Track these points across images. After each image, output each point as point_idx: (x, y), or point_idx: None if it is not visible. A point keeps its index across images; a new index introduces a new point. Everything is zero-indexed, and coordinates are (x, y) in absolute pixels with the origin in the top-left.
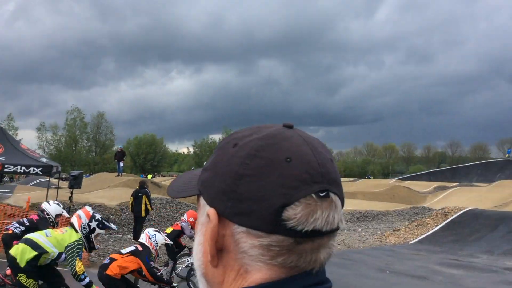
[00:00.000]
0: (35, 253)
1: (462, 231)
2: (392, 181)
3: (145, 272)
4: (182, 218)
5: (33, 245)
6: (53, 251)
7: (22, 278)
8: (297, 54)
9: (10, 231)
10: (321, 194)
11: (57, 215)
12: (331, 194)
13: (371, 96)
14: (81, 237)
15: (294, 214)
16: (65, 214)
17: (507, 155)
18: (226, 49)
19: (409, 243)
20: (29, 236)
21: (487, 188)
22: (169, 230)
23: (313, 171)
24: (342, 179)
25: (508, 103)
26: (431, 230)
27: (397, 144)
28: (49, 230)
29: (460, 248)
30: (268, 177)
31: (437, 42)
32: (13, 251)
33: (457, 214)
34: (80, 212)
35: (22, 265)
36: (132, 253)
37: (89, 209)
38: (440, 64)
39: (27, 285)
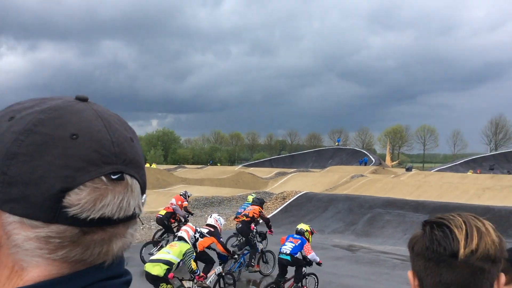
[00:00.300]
0: (167, 266)
1: (298, 212)
2: (237, 168)
3: (218, 246)
4: (171, 202)
5: (166, 262)
6: (177, 261)
7: (164, 285)
8: (144, 37)
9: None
10: (113, 177)
11: None
12: (127, 177)
13: (219, 84)
14: (190, 246)
15: (78, 199)
16: None
17: (336, 144)
18: (65, 26)
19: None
20: (160, 257)
21: (320, 173)
22: (163, 212)
23: (105, 150)
24: (190, 166)
25: (338, 96)
26: (272, 213)
27: (242, 132)
28: (167, 248)
29: None
30: (46, 156)
31: (278, 36)
32: (155, 272)
33: (294, 198)
34: (187, 227)
35: (163, 275)
36: (209, 233)
37: (191, 224)
38: (281, 57)
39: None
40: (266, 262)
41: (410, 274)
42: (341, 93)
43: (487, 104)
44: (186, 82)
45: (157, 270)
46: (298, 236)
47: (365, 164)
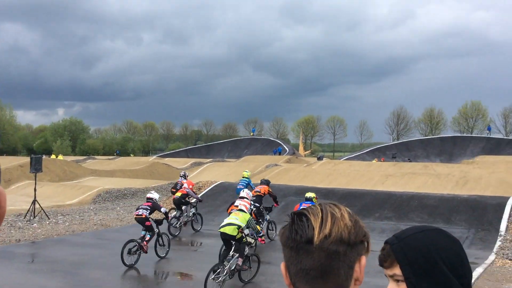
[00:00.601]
0: (237, 228)
1: (213, 202)
2: (152, 158)
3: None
4: (184, 186)
5: (236, 225)
6: (242, 225)
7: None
8: (48, 21)
9: (143, 216)
10: None
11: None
12: None
13: (130, 72)
14: (250, 215)
15: None
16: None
17: (252, 134)
18: None
19: None
20: (231, 221)
21: (236, 163)
22: (179, 194)
23: None
24: (100, 157)
25: (252, 87)
26: None
27: (156, 122)
28: (233, 215)
29: (212, 218)
30: None
31: (192, 25)
32: (229, 231)
33: (209, 188)
34: (244, 203)
35: (235, 234)
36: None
37: (248, 200)
38: (195, 46)
39: (244, 241)
40: (272, 230)
41: (282, 266)
42: (256, 84)
43: (390, 97)
44: (95, 69)
45: (231, 230)
46: (308, 202)
47: (279, 154)
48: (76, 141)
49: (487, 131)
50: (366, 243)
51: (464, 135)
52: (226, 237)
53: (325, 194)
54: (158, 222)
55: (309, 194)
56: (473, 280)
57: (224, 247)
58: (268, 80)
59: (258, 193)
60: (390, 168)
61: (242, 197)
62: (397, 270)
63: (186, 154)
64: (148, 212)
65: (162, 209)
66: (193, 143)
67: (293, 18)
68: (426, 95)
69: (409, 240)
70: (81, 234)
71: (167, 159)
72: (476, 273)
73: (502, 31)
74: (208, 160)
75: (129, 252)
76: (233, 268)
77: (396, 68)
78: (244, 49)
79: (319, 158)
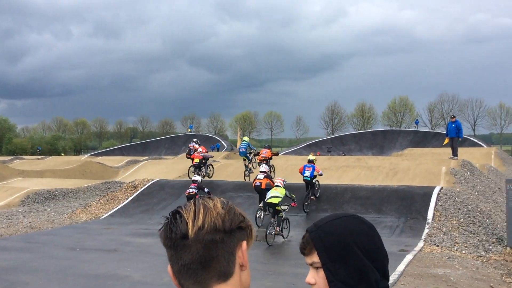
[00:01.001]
0: (279, 199)
1: (150, 201)
2: (84, 157)
3: (272, 183)
4: (199, 151)
5: (278, 196)
6: (282, 196)
7: (278, 208)
8: None
9: (193, 193)
10: None
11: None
12: None
13: (59, 67)
14: (285, 190)
15: None
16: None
17: (189, 130)
18: None
19: (101, 218)
20: (275, 194)
21: (173, 160)
22: (197, 160)
23: None
24: (28, 157)
25: (189, 83)
26: (122, 203)
27: (88, 119)
28: (274, 189)
29: (149, 217)
30: None
31: (124, 18)
32: (274, 201)
33: (145, 186)
34: (280, 180)
35: (277, 203)
36: (266, 176)
37: (281, 178)
38: (128, 41)
39: (279, 209)
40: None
41: (168, 268)
42: (192, 80)
43: (324, 92)
44: (21, 63)
45: (275, 200)
46: (310, 165)
47: (218, 150)
48: (2, 140)
49: (415, 125)
50: (248, 229)
51: (394, 129)
52: (271, 206)
53: None
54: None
55: (311, 157)
56: (403, 267)
57: (261, 211)
58: (204, 75)
59: (264, 157)
60: (326, 162)
61: (262, 171)
62: (315, 258)
63: (121, 152)
64: (196, 190)
65: (206, 189)
66: (128, 140)
67: (228, 13)
68: (358, 90)
69: (325, 226)
70: (9, 238)
71: (100, 157)
72: (406, 259)
73: (427, 29)
74: (144, 157)
75: None
76: (272, 233)
77: (329, 65)
78: (179, 44)
79: (257, 154)
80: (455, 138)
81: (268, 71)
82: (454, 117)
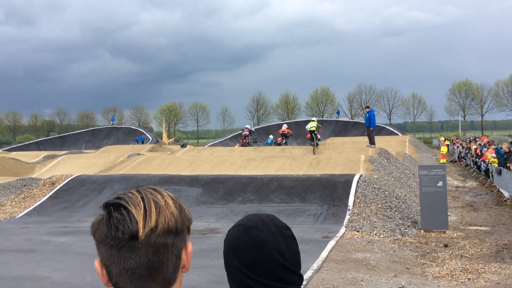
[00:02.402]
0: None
1: (70, 197)
2: None
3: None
4: (245, 128)
5: (316, 126)
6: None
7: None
8: None
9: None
10: None
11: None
12: None
13: None
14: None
15: None
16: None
17: (111, 123)
18: None
19: (16, 217)
20: (313, 125)
21: (94, 154)
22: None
23: None
24: None
25: (111, 73)
26: (39, 200)
27: (0, 112)
28: (312, 123)
29: (69, 215)
30: None
31: (38, 4)
32: (313, 128)
33: (64, 182)
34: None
35: (315, 129)
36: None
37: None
38: (44, 29)
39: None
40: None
41: (97, 263)
42: (114, 70)
43: (249, 83)
44: None
45: (314, 128)
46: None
47: (142, 143)
48: None
49: (336, 115)
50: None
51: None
52: (312, 130)
53: (189, 181)
54: None
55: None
56: (327, 253)
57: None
58: (127, 66)
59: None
60: (252, 153)
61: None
62: None
63: (38, 146)
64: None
65: None
66: (45, 134)
67: (150, 1)
68: (282, 81)
69: (229, 232)
70: None
71: (14, 153)
72: (329, 245)
73: (346, 22)
74: (63, 152)
75: None
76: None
77: (254, 56)
78: (99, 32)
79: (183, 146)
80: (368, 128)
81: (193, 61)
82: (367, 107)
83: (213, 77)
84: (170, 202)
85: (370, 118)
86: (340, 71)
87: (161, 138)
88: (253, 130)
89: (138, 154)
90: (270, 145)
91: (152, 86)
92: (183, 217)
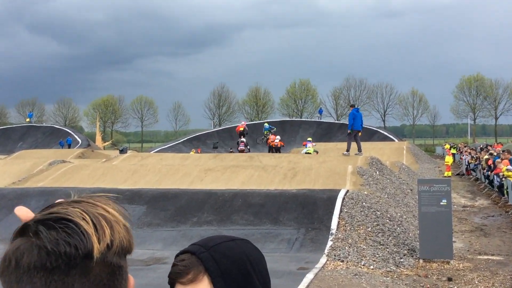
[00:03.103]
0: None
1: None
2: None
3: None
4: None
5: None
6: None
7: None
8: None
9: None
10: None
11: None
12: None
13: None
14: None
15: None
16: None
17: (28, 120)
18: None
19: None
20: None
21: (5, 161)
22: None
23: None
24: None
25: (29, 56)
26: None
27: None
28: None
29: None
30: None
31: None
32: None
33: None
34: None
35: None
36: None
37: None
38: None
39: None
40: None
41: None
42: (33, 51)
43: (210, 73)
44: None
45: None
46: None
47: (69, 147)
48: None
49: (318, 115)
50: None
51: (294, 119)
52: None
53: (129, 197)
54: None
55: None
56: None
57: None
58: (50, 46)
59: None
60: (210, 161)
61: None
62: (202, 285)
63: None
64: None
65: None
66: None
67: None
68: (251, 71)
69: (220, 248)
70: None
71: None
72: (306, 279)
73: None
74: None
75: None
76: None
77: (216, 38)
78: (14, 3)
79: (122, 151)
80: (355, 131)
81: (138, 43)
82: (352, 105)
83: (163, 64)
84: (118, 216)
85: (354, 118)
86: (324, 61)
87: (94, 141)
88: (248, 147)
89: (63, 161)
90: (269, 131)
91: (83, 74)
92: (131, 233)
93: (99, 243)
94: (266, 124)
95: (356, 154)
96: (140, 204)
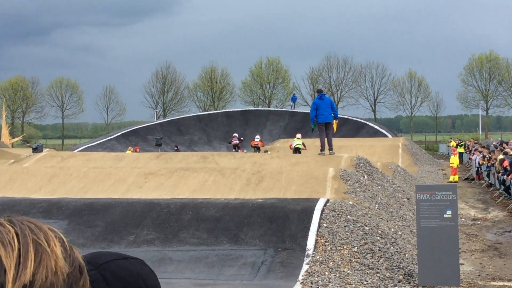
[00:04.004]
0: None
1: None
2: None
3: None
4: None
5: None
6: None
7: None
8: None
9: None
10: None
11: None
12: None
13: None
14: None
15: None
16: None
17: None
18: None
19: None
20: (298, 143)
21: None
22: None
23: None
24: None
25: None
26: None
27: None
28: (297, 140)
29: None
30: None
31: None
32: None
33: None
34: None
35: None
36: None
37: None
38: None
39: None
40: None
41: None
42: None
43: (151, 48)
44: None
45: (299, 145)
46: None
47: None
48: None
49: (291, 103)
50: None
51: (260, 108)
52: (298, 148)
53: (45, 209)
54: None
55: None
56: None
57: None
58: None
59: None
60: (152, 162)
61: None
62: None
63: None
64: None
65: None
66: None
67: None
68: (204, 47)
69: (111, 267)
70: None
71: None
72: None
73: None
74: None
75: None
76: None
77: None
78: None
79: (36, 149)
80: (318, 124)
81: (58, 9)
82: (319, 91)
83: (90, 37)
84: (57, 246)
85: (316, 109)
86: (298, 34)
87: None
88: (242, 138)
89: None
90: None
91: None
92: (75, 265)
93: (14, 282)
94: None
95: (330, 153)
96: (59, 218)
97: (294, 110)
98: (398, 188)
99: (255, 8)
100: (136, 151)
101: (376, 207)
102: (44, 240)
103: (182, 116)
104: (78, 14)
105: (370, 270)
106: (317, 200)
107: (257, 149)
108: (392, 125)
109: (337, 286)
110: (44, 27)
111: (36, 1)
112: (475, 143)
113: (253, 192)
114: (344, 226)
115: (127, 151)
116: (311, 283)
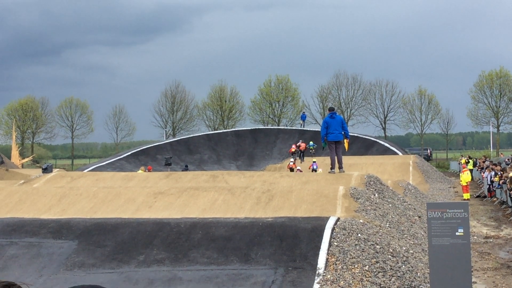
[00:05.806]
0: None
1: None
2: None
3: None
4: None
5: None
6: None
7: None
8: None
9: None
10: None
11: None
12: None
13: None
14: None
15: None
16: None
17: None
18: None
19: None
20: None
21: None
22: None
23: None
24: None
25: None
26: None
27: None
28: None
29: None
30: None
31: None
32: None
33: None
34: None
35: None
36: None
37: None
38: None
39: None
40: None
41: None
42: None
43: (161, 67)
44: None
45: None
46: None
47: None
48: None
49: (301, 121)
50: None
51: (270, 127)
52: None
53: (55, 230)
54: None
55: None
56: None
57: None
58: None
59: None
60: (162, 182)
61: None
62: None
63: None
64: None
65: None
66: None
67: None
68: (214, 66)
69: None
70: None
71: None
72: None
73: None
74: None
75: None
76: None
77: (171, 23)
78: None
79: (46, 170)
80: (327, 141)
81: (69, 29)
82: (331, 109)
83: (100, 57)
84: None
85: (327, 127)
86: (307, 52)
87: (9, 158)
88: (302, 143)
89: None
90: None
91: None
92: None
93: None
94: (311, 142)
95: (340, 171)
96: (69, 238)
97: (304, 129)
98: (409, 206)
99: (264, 26)
100: (148, 171)
101: (387, 225)
102: None
103: (192, 135)
104: (88, 34)
105: None
106: (327, 218)
107: (301, 153)
108: (402, 142)
109: None
110: (54, 46)
111: (47, 21)
112: (485, 160)
113: (263, 211)
114: (355, 245)
115: (139, 171)
116: None
